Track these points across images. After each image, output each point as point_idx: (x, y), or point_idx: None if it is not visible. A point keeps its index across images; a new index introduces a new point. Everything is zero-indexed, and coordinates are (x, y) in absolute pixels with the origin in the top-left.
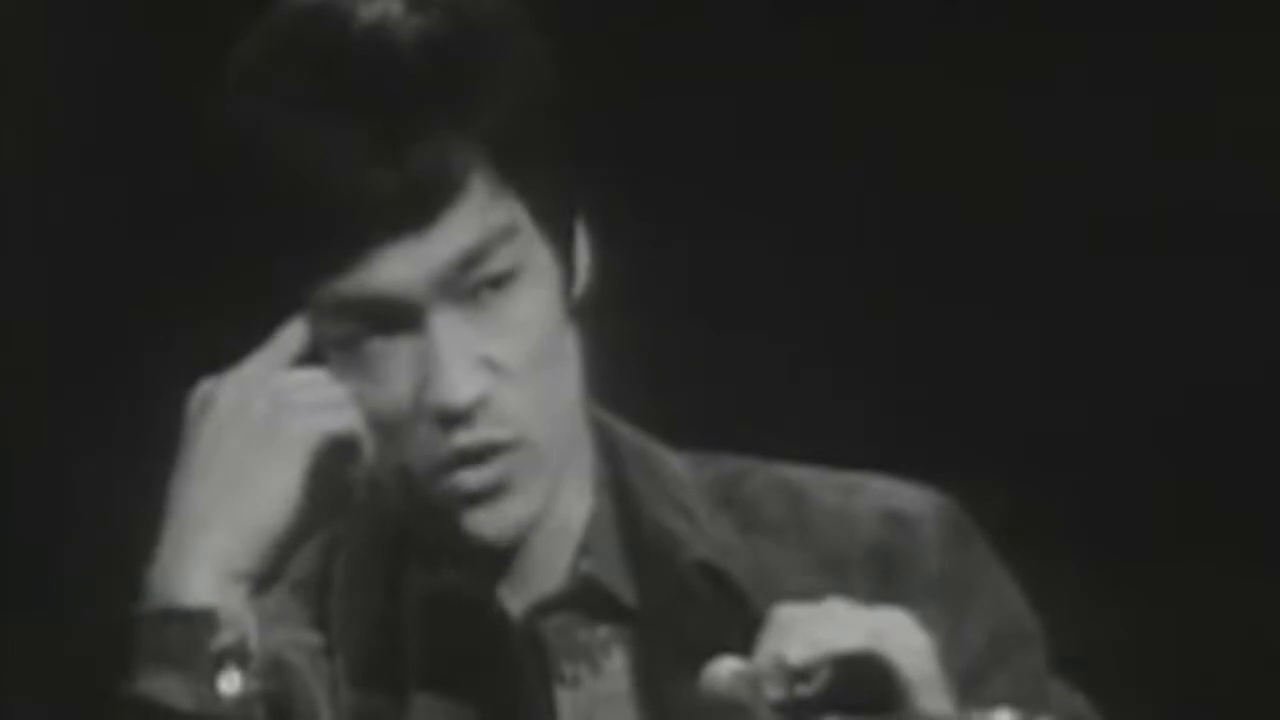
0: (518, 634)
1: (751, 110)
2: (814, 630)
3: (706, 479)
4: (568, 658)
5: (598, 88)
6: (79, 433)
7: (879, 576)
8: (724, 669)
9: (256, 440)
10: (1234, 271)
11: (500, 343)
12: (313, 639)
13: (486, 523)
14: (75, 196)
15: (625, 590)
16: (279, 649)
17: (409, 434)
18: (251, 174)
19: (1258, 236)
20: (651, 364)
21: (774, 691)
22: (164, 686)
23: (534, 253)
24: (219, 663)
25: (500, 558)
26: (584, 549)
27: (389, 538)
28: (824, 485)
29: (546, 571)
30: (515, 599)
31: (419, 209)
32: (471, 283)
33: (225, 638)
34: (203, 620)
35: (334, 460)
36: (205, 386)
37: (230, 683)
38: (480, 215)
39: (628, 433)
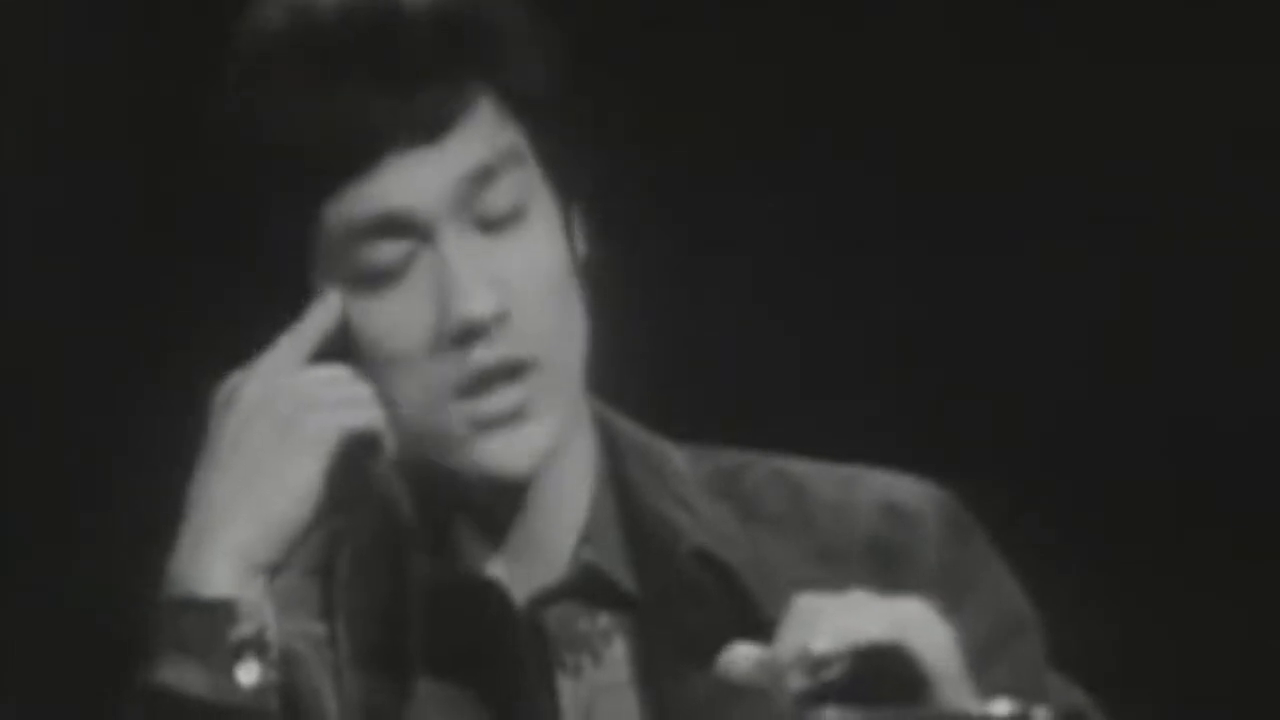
0: (520, 623)
1: (751, 106)
2: (838, 620)
3: (706, 472)
4: (569, 647)
5: (599, 82)
6: (81, 431)
7: (878, 569)
8: (744, 656)
9: (279, 435)
10: (1236, 270)
11: (514, 268)
12: (317, 628)
13: (504, 451)
14: (76, 192)
15: (626, 579)
16: (286, 639)
17: (426, 363)
18: (255, 138)
19: (1262, 237)
20: (651, 359)
21: (797, 681)
22: (183, 676)
23: (540, 195)
24: (238, 653)
25: (511, 502)
26: (585, 538)
27: (395, 528)
28: (824, 478)
29: (548, 561)
30: (517, 588)
31: (427, 126)
32: (482, 208)
33: (244, 629)
34: (223, 611)
35: (355, 456)
36: (231, 381)
37: (249, 673)
38: (488, 136)
39: (628, 427)
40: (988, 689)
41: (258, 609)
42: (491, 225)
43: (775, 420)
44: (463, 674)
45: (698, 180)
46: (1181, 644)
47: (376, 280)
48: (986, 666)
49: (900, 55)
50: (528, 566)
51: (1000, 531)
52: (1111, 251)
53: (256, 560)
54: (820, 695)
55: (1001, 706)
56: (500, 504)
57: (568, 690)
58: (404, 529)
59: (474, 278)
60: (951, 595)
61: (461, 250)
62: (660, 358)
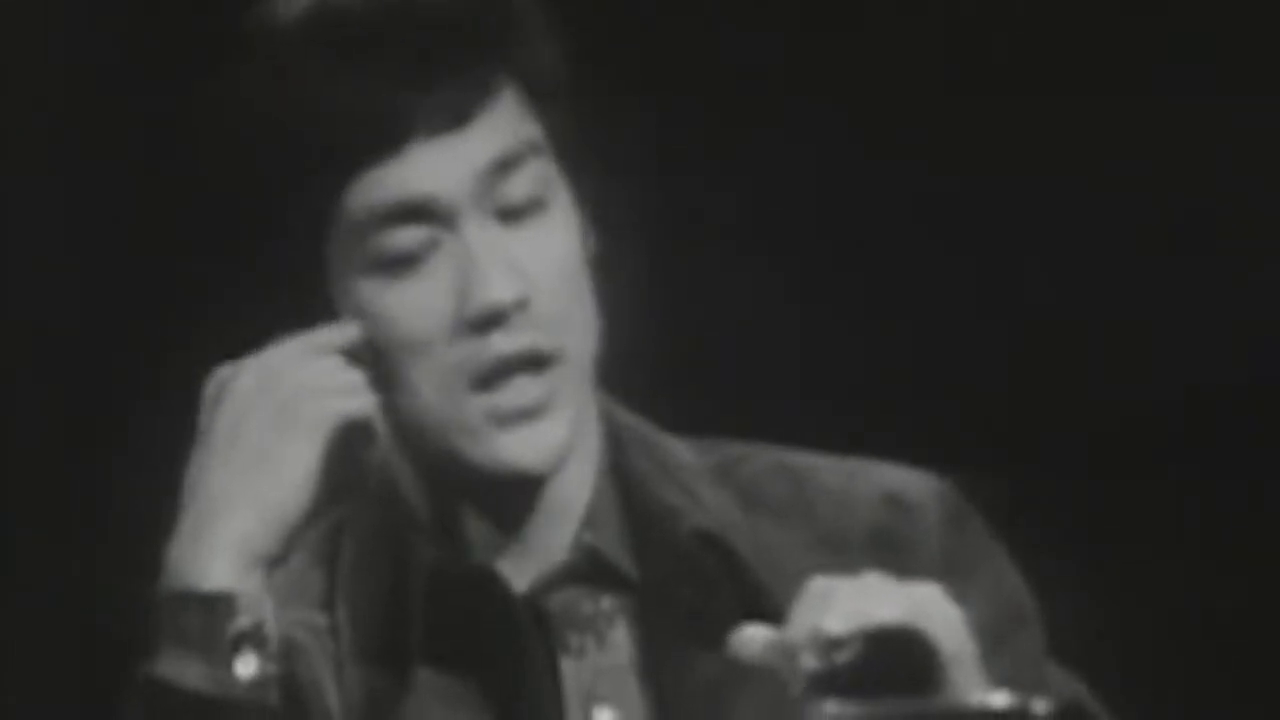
0: (522, 608)
1: (751, 101)
2: (852, 601)
3: (709, 463)
4: (572, 629)
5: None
6: (84, 430)
7: (880, 559)
8: (756, 636)
9: (274, 424)
10: (1237, 267)
11: (534, 259)
12: (319, 619)
13: (523, 447)
14: (78, 190)
15: (626, 561)
16: (288, 629)
17: (445, 349)
18: (274, 124)
19: (1260, 234)
20: (652, 352)
21: (810, 661)
22: (182, 669)
23: (557, 188)
24: (236, 646)
25: (522, 493)
26: (587, 523)
27: (396, 516)
28: (826, 469)
29: (550, 547)
30: (519, 574)
31: (450, 115)
32: (503, 198)
33: (243, 621)
34: (221, 604)
35: (350, 443)
36: (222, 372)
37: (247, 665)
38: (510, 126)
39: (632, 420)
40: (987, 680)
41: (256, 601)
42: (511, 215)
43: (776, 415)
44: (465, 662)
45: (697, 178)
46: (1179, 633)
47: (396, 266)
48: (986, 656)
49: (899, 56)
50: (531, 553)
51: (1000, 523)
52: (1113, 245)
53: (256, 551)
54: (832, 677)
55: (1000, 698)
56: (511, 494)
57: (570, 672)
58: (406, 516)
59: (496, 264)
60: (952, 584)
61: (483, 238)
62: (660, 354)
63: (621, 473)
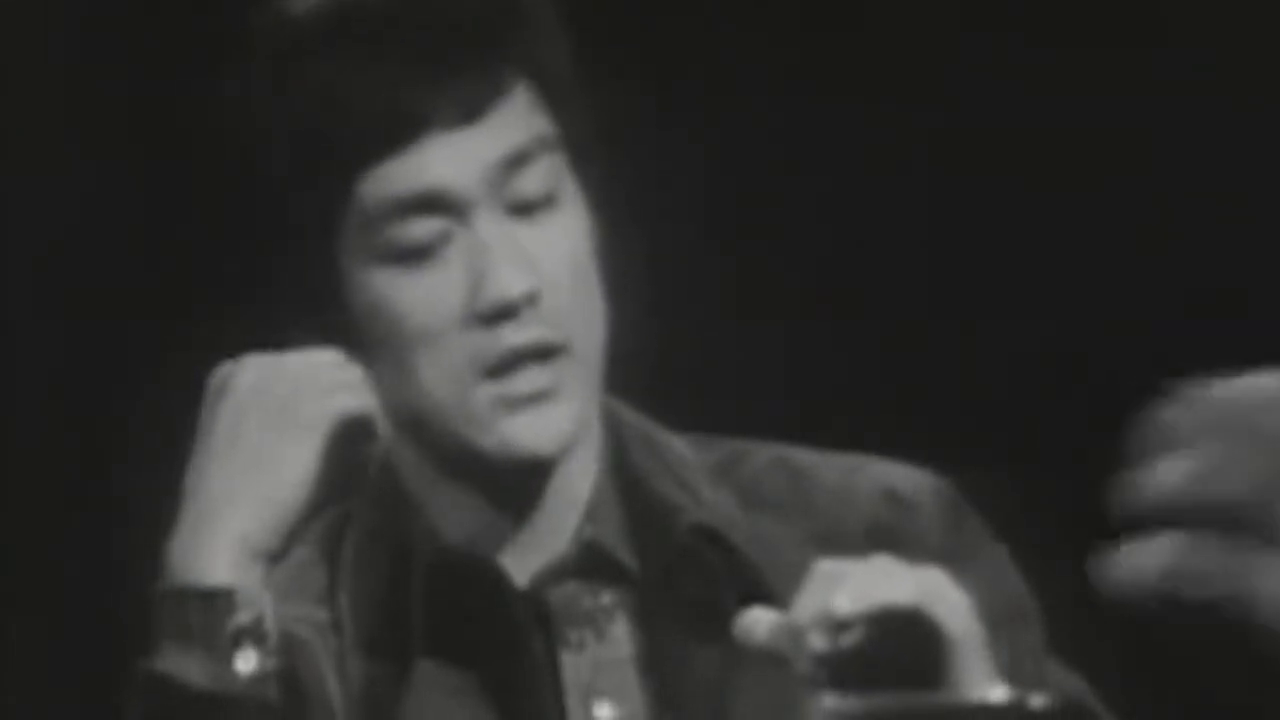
0: (523, 602)
1: (754, 101)
2: (861, 583)
3: (708, 460)
4: (572, 623)
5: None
6: (88, 430)
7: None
8: (762, 619)
9: (275, 421)
10: (1237, 263)
11: (546, 253)
12: (321, 613)
13: (530, 431)
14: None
15: (626, 555)
16: (289, 624)
17: (455, 339)
18: (286, 115)
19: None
20: (652, 349)
21: (818, 642)
22: (181, 665)
23: (567, 184)
24: (236, 642)
25: (527, 483)
26: (588, 517)
27: (397, 511)
28: (825, 465)
29: (550, 542)
30: (520, 568)
31: (465, 108)
32: (516, 192)
33: (242, 617)
34: (221, 600)
35: (350, 440)
36: (224, 369)
37: (247, 661)
38: (525, 119)
39: (632, 416)
40: (993, 668)
41: (256, 597)
42: (523, 210)
43: (776, 414)
44: (466, 656)
45: (697, 176)
46: (1180, 629)
47: (409, 258)
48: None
49: (902, 55)
50: (532, 547)
51: (1000, 523)
52: (1112, 241)
53: (256, 547)
54: (838, 660)
55: (998, 693)
56: (516, 485)
57: (570, 666)
58: (407, 510)
59: (508, 258)
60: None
61: (495, 231)
62: (659, 354)
63: (623, 469)
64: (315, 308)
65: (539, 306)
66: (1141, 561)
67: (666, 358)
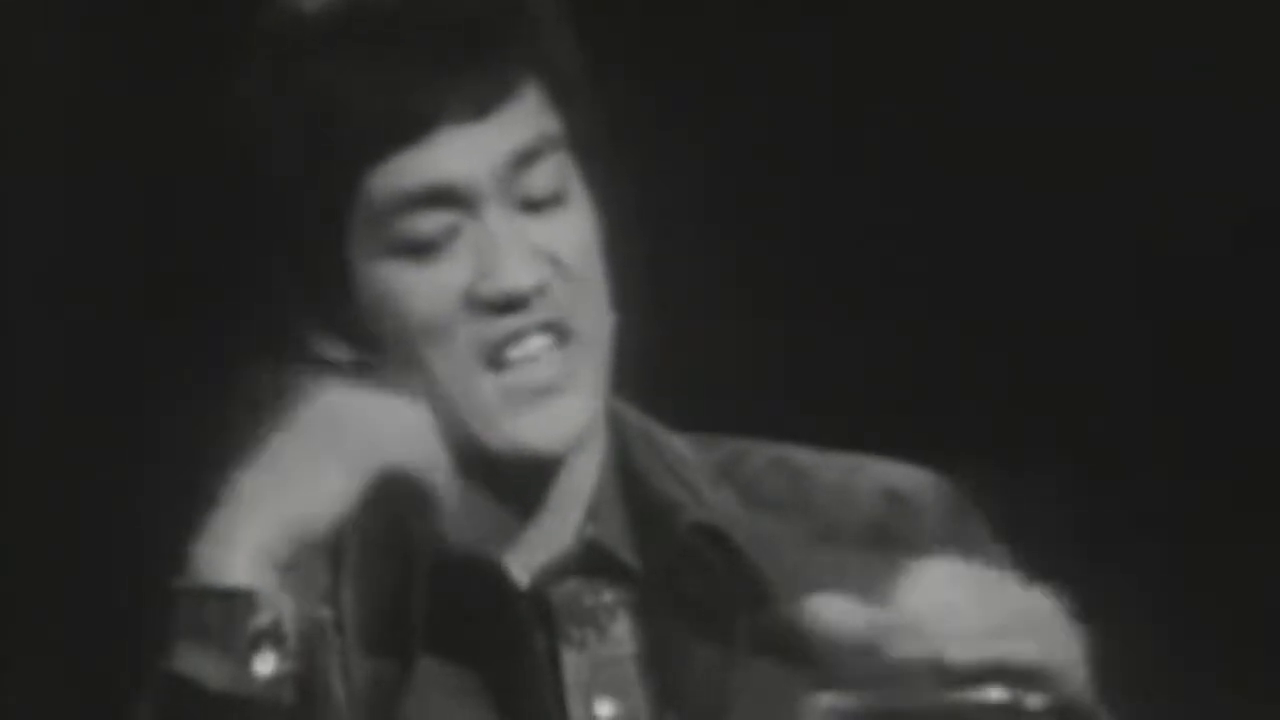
0: (524, 600)
1: (754, 101)
2: (978, 626)
3: (710, 459)
4: (574, 622)
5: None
6: (91, 432)
7: (878, 552)
8: (845, 607)
9: (328, 451)
10: (1237, 260)
11: (555, 249)
12: (324, 611)
13: (537, 428)
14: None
15: (628, 553)
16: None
17: (462, 329)
18: (294, 110)
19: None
20: (652, 349)
21: (923, 690)
22: (199, 665)
23: (574, 183)
24: (255, 644)
25: (534, 480)
26: (590, 516)
27: (401, 510)
28: (825, 464)
29: (552, 540)
30: (522, 565)
31: (476, 104)
32: (524, 189)
33: (262, 619)
34: (241, 601)
35: (395, 489)
36: (307, 379)
37: (264, 664)
38: (533, 118)
39: (634, 415)
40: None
41: (276, 599)
42: (533, 206)
43: (776, 414)
44: (468, 653)
45: (698, 178)
46: (1182, 635)
47: (418, 250)
48: None
49: (899, 57)
50: (534, 545)
51: (1000, 523)
52: (1112, 238)
53: (275, 559)
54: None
55: (996, 692)
56: (522, 481)
57: (572, 664)
58: (409, 507)
59: (517, 251)
60: None
61: (505, 225)
62: (659, 354)
63: (625, 468)
64: (323, 304)
65: (548, 297)
66: None
67: (666, 358)
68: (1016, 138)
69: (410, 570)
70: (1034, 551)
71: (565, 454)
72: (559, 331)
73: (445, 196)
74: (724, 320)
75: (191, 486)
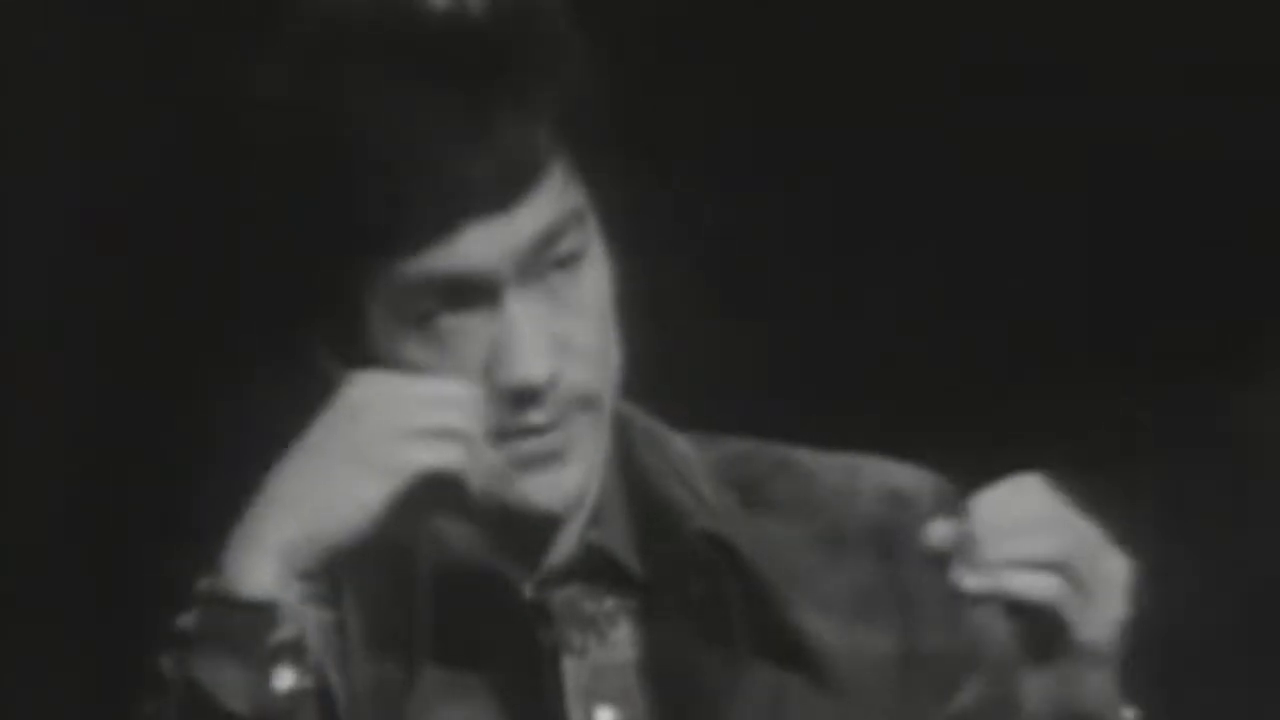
0: (526, 605)
1: (755, 101)
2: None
3: (712, 459)
4: (575, 628)
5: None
6: (92, 432)
7: (879, 552)
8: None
9: (357, 453)
10: (1237, 259)
11: (569, 323)
12: (327, 615)
13: (540, 491)
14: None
15: (631, 560)
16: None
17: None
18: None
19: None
20: (652, 350)
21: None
22: (217, 676)
23: (593, 239)
24: (274, 657)
25: (541, 531)
26: (593, 521)
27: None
28: (826, 465)
29: (555, 545)
30: (524, 570)
31: (508, 190)
32: (544, 263)
33: (283, 633)
34: (264, 613)
35: (428, 493)
36: (347, 380)
37: (283, 679)
38: (558, 197)
39: (638, 415)
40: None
41: (299, 613)
42: (548, 276)
43: (776, 414)
44: (470, 659)
45: (698, 177)
46: (1183, 635)
47: (436, 328)
48: None
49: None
50: (536, 549)
51: None
52: (1110, 246)
53: (297, 566)
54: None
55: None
56: (526, 528)
57: (572, 670)
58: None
59: (535, 342)
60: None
61: (524, 311)
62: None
63: (629, 469)
64: (339, 343)
65: (560, 384)
66: None
67: (666, 358)
68: (1015, 137)
69: (413, 575)
70: None
71: (565, 514)
72: (567, 408)
73: (466, 286)
74: (723, 320)
75: (199, 488)
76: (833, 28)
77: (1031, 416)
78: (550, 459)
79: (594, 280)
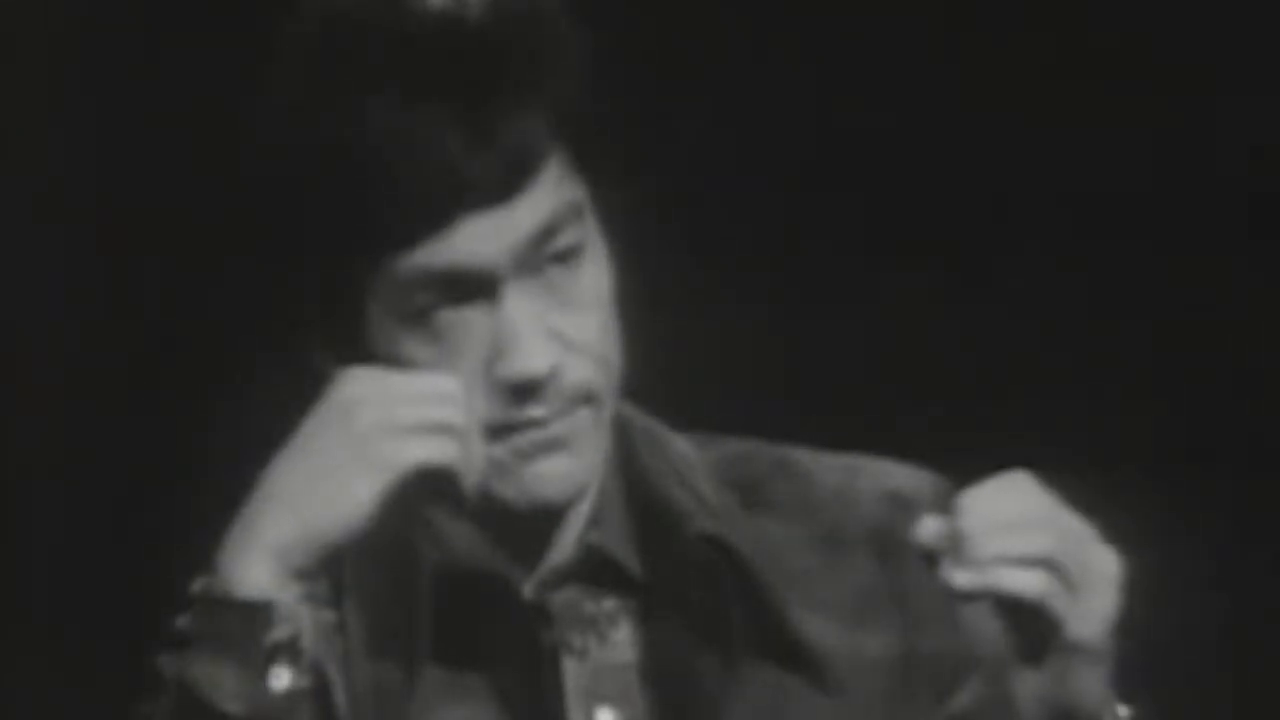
0: (527, 606)
1: (753, 99)
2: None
3: (712, 460)
4: (575, 629)
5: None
6: (95, 433)
7: (880, 554)
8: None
9: (351, 450)
10: (1236, 259)
11: (568, 318)
12: (327, 616)
13: (541, 482)
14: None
15: (631, 561)
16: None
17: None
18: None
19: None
20: (653, 350)
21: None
22: (213, 676)
23: (592, 235)
24: (271, 657)
25: (544, 524)
26: (593, 522)
27: (424, 508)
28: (826, 466)
29: (556, 545)
30: (524, 571)
31: (505, 184)
32: (542, 257)
33: (279, 633)
34: (259, 613)
35: (421, 488)
36: (340, 375)
37: (279, 679)
38: (555, 190)
39: (638, 416)
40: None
41: (295, 612)
42: (547, 270)
43: (776, 415)
44: (470, 660)
45: (697, 177)
46: (1182, 634)
47: (434, 323)
48: None
49: (896, 63)
50: (536, 550)
51: None
52: (1111, 235)
53: (292, 565)
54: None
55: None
56: (528, 523)
57: (572, 672)
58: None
59: (533, 334)
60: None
61: (522, 304)
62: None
63: (629, 468)
64: (337, 340)
65: (561, 378)
66: None
67: (666, 358)
68: (1015, 136)
69: (413, 575)
70: None
71: (567, 505)
72: (565, 411)
73: (464, 281)
74: (723, 320)
75: (198, 487)
76: (832, 27)
77: (1030, 416)
78: (552, 449)
79: (593, 276)
